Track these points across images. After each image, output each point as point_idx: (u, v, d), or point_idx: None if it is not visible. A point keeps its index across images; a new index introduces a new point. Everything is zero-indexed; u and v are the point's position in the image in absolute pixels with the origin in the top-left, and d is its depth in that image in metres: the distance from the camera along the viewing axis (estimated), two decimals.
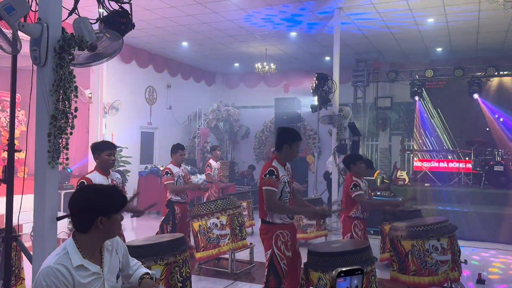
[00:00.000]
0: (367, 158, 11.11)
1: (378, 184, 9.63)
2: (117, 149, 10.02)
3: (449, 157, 11.90)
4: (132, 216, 4.52)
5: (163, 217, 6.26)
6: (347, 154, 7.53)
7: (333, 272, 1.54)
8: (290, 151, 3.89)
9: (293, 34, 10.75)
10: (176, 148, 6.37)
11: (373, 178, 9.86)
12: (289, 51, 12.36)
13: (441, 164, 11.64)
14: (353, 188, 4.92)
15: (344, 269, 1.55)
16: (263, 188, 3.75)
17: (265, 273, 3.81)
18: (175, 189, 6.18)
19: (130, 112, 11.84)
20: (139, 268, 2.45)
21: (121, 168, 10.71)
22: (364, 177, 5.37)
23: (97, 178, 4.08)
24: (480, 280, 5.65)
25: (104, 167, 4.20)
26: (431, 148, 12.64)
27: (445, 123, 12.65)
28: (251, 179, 13.16)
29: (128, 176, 11.00)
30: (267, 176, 3.75)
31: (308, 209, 4.06)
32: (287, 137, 3.90)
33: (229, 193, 8.70)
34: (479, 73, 11.49)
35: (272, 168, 3.78)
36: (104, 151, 4.17)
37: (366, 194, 5.08)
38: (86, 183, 3.93)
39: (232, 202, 6.10)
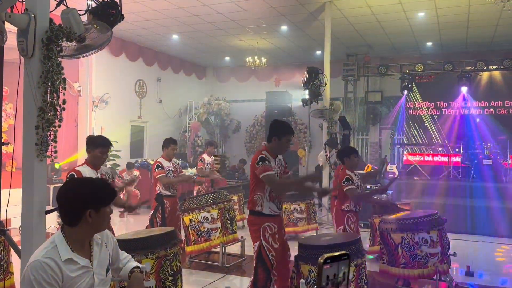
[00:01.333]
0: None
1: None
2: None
3: (439, 150, 12.01)
4: (124, 211, 4.47)
5: (152, 211, 6.22)
6: (341, 148, 7.52)
7: (319, 259, 1.51)
8: (279, 144, 3.87)
9: (284, 27, 10.72)
10: (169, 142, 6.31)
11: (363, 172, 9.90)
12: (280, 45, 12.33)
13: (431, 158, 11.74)
14: (346, 182, 4.93)
15: (330, 255, 1.53)
16: (261, 175, 3.71)
17: (253, 265, 3.80)
18: (167, 182, 6.11)
19: (120, 106, 11.74)
20: (129, 262, 2.44)
21: (110, 163, 10.65)
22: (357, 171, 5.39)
23: (87, 172, 4.03)
24: (469, 272, 5.72)
25: (94, 163, 4.15)
26: (421, 142, 12.75)
27: (434, 117, 12.75)
28: (242, 173, 13.15)
29: (118, 169, 10.93)
30: (260, 163, 3.73)
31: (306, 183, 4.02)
32: (276, 129, 3.89)
33: (220, 187, 8.68)
34: (468, 68, 11.58)
35: (263, 155, 3.78)
36: (98, 148, 4.10)
37: (359, 188, 5.10)
38: (75, 176, 3.88)
39: (223, 196, 6.09)
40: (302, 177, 3.79)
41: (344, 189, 4.93)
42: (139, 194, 10.47)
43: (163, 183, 6.11)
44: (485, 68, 11.46)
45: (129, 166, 10.70)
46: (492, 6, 8.33)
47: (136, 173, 10.58)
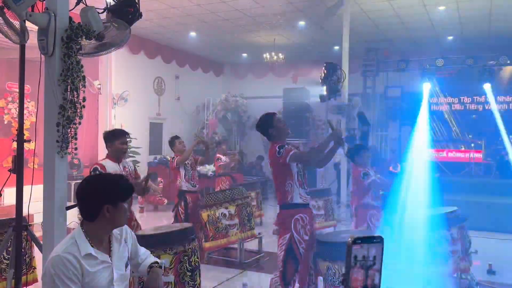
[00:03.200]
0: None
1: None
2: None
3: (461, 147, 11.80)
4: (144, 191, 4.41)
5: (174, 206, 6.28)
6: (348, 148, 7.40)
7: (348, 239, 1.44)
8: (278, 131, 3.85)
9: (301, 23, 10.66)
10: (173, 140, 6.40)
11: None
12: (297, 40, 12.26)
13: (452, 154, 11.55)
14: (365, 177, 4.90)
15: (359, 236, 1.45)
16: (288, 159, 3.66)
17: (282, 258, 3.70)
18: (183, 158, 6.10)
19: (139, 103, 11.86)
20: (148, 257, 2.46)
21: (130, 159, 10.76)
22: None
23: (109, 165, 4.10)
24: (491, 271, 5.62)
25: (117, 156, 4.20)
26: (441, 138, 12.53)
27: (455, 112, 12.52)
28: (260, 169, 13.15)
29: (138, 166, 11.01)
30: (281, 149, 3.69)
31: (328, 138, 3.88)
32: (266, 124, 3.89)
33: (237, 184, 8.70)
34: (491, 62, 11.31)
35: (280, 144, 3.77)
36: (118, 139, 4.17)
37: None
38: (99, 169, 3.97)
39: (240, 193, 6.13)
40: (325, 138, 3.75)
41: (366, 184, 4.90)
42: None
43: (182, 160, 6.10)
44: (508, 62, 11.18)
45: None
46: None
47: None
